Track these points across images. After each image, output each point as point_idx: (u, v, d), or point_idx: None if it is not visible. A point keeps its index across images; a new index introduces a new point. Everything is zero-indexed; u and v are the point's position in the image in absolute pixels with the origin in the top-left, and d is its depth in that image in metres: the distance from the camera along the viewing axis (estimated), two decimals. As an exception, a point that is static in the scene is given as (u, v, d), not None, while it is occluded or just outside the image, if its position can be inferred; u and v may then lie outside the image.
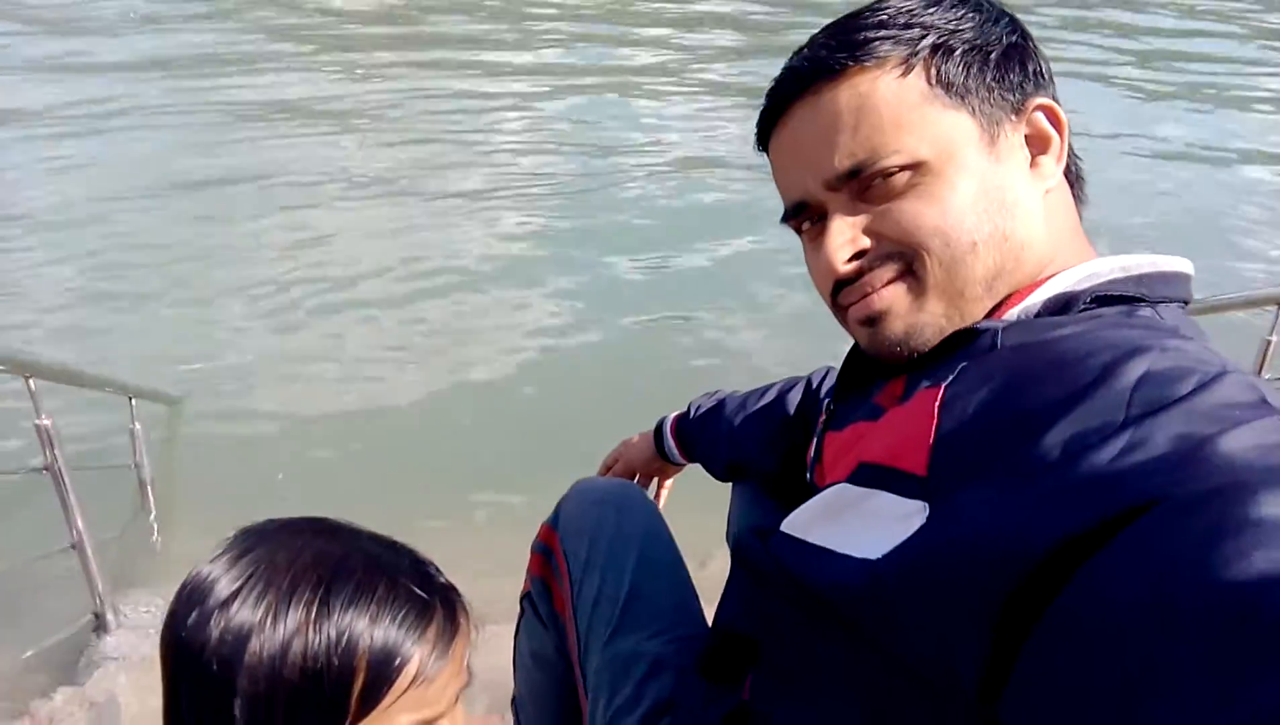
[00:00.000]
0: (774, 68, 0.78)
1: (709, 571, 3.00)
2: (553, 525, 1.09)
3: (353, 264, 5.74)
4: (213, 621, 0.57)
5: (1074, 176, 0.78)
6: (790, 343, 4.48)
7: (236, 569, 0.60)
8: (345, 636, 0.57)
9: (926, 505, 0.57)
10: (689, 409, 1.33)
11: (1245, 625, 0.36)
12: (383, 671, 0.58)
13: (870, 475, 0.65)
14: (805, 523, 0.72)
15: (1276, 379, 2.60)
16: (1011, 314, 0.68)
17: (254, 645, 0.56)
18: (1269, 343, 2.53)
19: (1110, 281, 0.68)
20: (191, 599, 0.59)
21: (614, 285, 5.23)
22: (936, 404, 0.62)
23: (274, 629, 0.56)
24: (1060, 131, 0.72)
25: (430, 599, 0.63)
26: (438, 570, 0.68)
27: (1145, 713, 0.38)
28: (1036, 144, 0.72)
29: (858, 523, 0.64)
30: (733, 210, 6.01)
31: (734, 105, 7.25)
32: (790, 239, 0.81)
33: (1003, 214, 0.69)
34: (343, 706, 0.57)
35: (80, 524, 2.54)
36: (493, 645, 2.35)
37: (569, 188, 6.43)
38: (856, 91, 0.69)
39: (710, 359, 4.39)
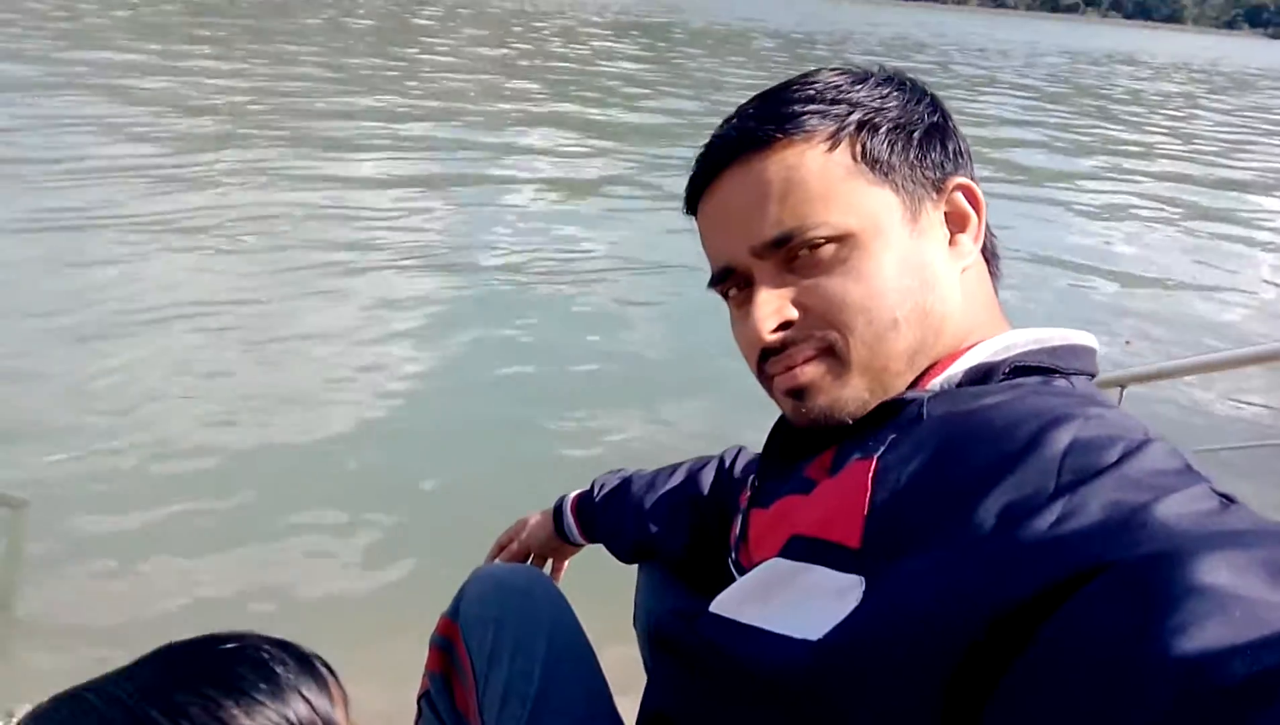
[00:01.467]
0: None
1: (612, 654, 2.92)
2: (452, 617, 1.03)
3: (190, 347, 5.53)
4: None
5: (990, 253, 0.81)
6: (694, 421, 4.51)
7: None
8: None
9: (863, 579, 0.57)
10: (592, 487, 1.29)
11: (1195, 694, 0.36)
12: None
13: (803, 549, 0.64)
14: (737, 602, 0.70)
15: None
16: (935, 384, 0.70)
17: None
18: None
19: (1026, 352, 0.70)
20: None
21: (499, 355, 5.18)
22: (869, 475, 0.62)
23: None
24: (978, 210, 0.75)
25: (306, 654, 0.59)
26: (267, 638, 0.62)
27: None
28: (955, 222, 0.75)
29: (793, 600, 0.63)
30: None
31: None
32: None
33: (923, 290, 0.71)
34: None
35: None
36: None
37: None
38: (785, 163, 0.71)
39: (609, 437, 4.36)
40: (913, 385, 0.71)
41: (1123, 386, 2.65)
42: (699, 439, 3.87)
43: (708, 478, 1.15)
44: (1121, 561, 0.44)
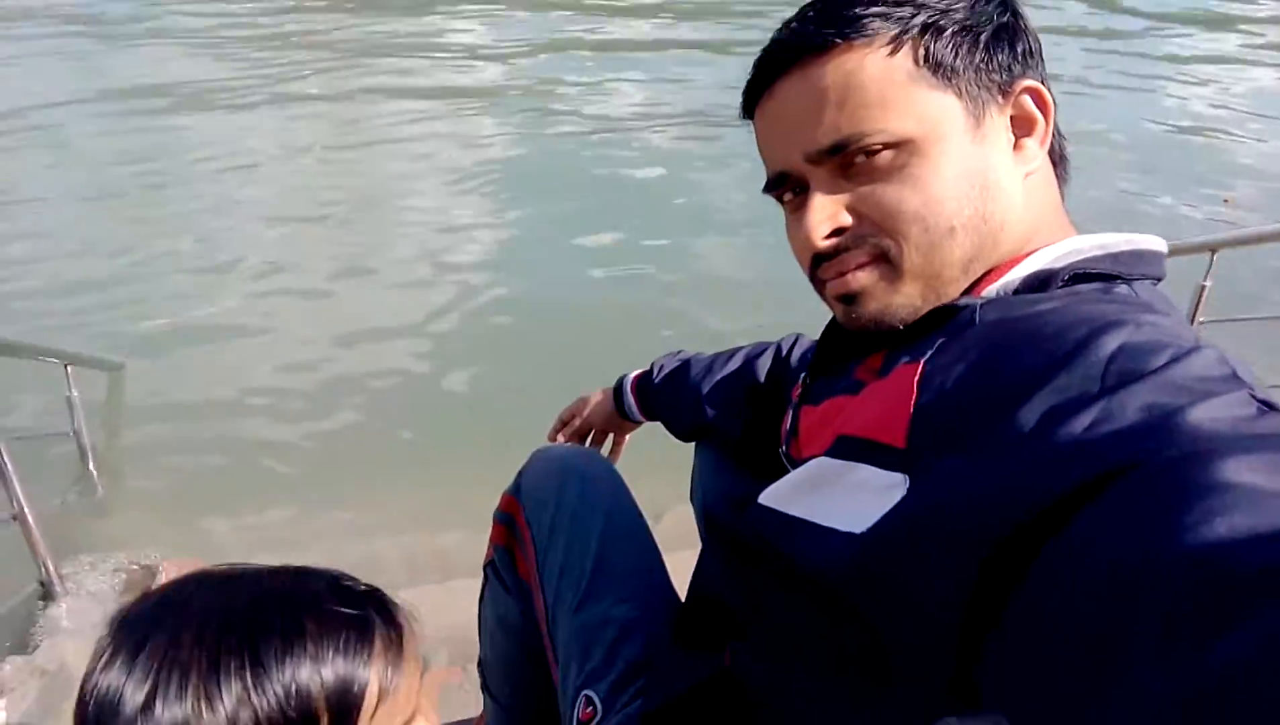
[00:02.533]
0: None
1: (664, 526, 3.03)
2: (514, 494, 1.09)
3: (294, 230, 5.63)
4: None
5: (1057, 156, 0.78)
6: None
7: (140, 668, 0.53)
8: (294, 689, 0.53)
9: (906, 477, 0.58)
10: (651, 368, 1.32)
11: (1207, 587, 0.37)
12: (345, 704, 0.54)
13: (850, 448, 0.65)
14: (785, 495, 0.72)
15: (1212, 321, 2.69)
16: (990, 290, 0.69)
17: None
18: (1203, 288, 2.60)
19: (1088, 259, 0.68)
20: (102, 718, 0.53)
21: (577, 245, 5.19)
22: (915, 378, 0.62)
23: (213, 714, 0.51)
24: (1046, 114, 0.72)
25: (364, 613, 0.58)
26: (355, 579, 0.62)
27: (1113, 672, 0.39)
28: (1021, 126, 0.72)
29: (839, 496, 0.64)
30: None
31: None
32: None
33: (983, 197, 0.69)
34: None
35: (20, 495, 2.48)
36: (449, 601, 2.37)
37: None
38: (844, 68, 0.68)
39: (672, 322, 4.38)
40: (968, 291, 0.70)
41: (1214, 251, 2.55)
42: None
43: (764, 365, 1.17)
44: (1149, 461, 0.44)
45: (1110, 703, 0.38)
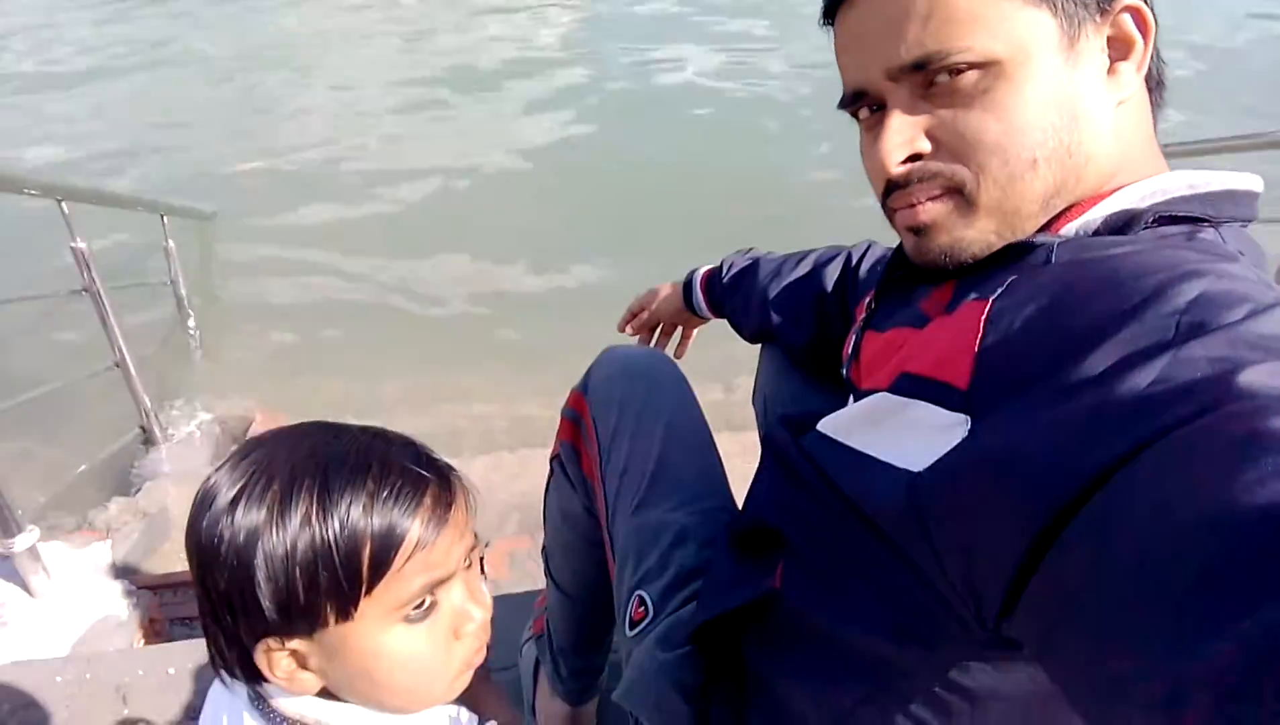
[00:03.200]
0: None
1: (737, 395, 3.06)
2: (582, 392, 1.10)
3: (387, 85, 5.61)
4: (223, 523, 0.60)
5: (1154, 82, 0.71)
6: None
7: (239, 472, 0.62)
8: (348, 521, 0.61)
9: (968, 419, 0.56)
10: (721, 266, 1.30)
11: (1260, 545, 0.36)
12: (386, 544, 0.62)
13: (911, 385, 0.63)
14: (844, 426, 0.71)
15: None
16: (1069, 229, 0.65)
17: (265, 541, 0.60)
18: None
19: (1175, 200, 0.63)
20: (203, 504, 0.62)
21: (663, 149, 5.06)
22: (983, 317, 0.60)
23: (282, 527, 0.60)
24: (1146, 36, 0.65)
25: (422, 473, 0.65)
26: (429, 450, 0.70)
27: (1155, 627, 0.38)
28: (1118, 48, 0.66)
29: (898, 432, 0.63)
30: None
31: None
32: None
33: (1070, 127, 0.64)
34: (357, 579, 0.61)
35: (121, 342, 2.61)
36: (522, 470, 2.45)
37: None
38: None
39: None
40: (1045, 228, 0.66)
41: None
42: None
43: (833, 273, 1.14)
44: (1210, 415, 0.42)
45: (1152, 658, 0.38)
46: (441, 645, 0.67)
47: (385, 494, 0.63)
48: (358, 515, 0.61)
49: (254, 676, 0.65)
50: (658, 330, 1.45)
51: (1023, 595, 0.48)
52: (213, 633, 0.64)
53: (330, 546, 0.60)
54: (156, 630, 1.98)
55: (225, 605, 0.61)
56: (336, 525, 0.60)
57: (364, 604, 0.62)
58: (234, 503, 0.60)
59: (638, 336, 1.46)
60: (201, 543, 0.61)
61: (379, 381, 3.41)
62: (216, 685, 0.71)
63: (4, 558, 1.86)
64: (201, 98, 5.61)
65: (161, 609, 2.03)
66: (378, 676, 0.65)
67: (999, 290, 0.61)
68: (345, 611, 0.61)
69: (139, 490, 2.51)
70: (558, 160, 4.89)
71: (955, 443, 0.56)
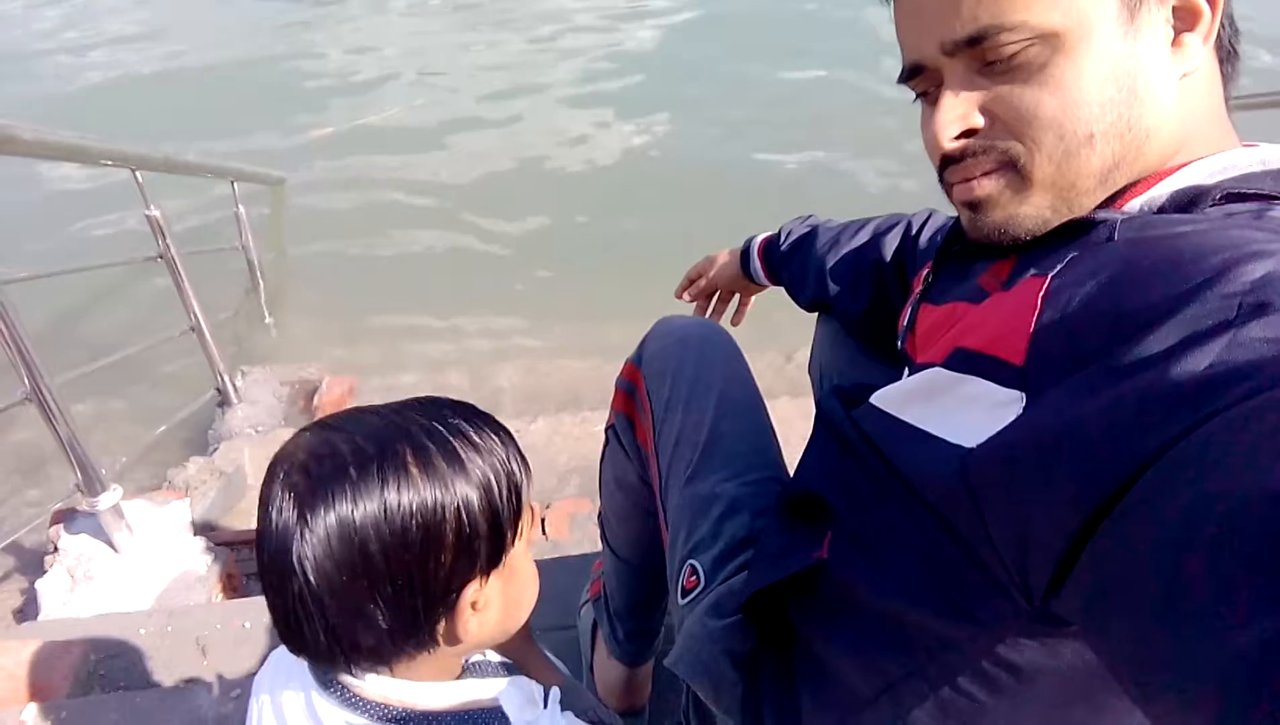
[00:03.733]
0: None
1: (797, 359, 3.05)
2: (636, 363, 1.11)
3: (455, 53, 5.62)
4: (406, 496, 0.62)
5: (1225, 52, 0.68)
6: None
7: (353, 427, 0.65)
8: (501, 449, 0.67)
9: (1023, 396, 0.56)
10: (779, 234, 1.29)
11: None
12: (524, 464, 0.69)
13: (966, 361, 0.63)
14: (897, 400, 0.71)
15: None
16: (1133, 206, 0.63)
17: (459, 489, 0.63)
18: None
19: (1244, 176, 0.61)
20: (357, 495, 0.61)
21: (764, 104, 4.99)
22: (1041, 294, 0.59)
23: (462, 470, 0.64)
24: (1214, 5, 0.63)
25: (508, 440, 0.70)
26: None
27: (1192, 605, 0.38)
28: (1183, 18, 0.63)
29: (951, 407, 0.63)
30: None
31: None
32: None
33: (1130, 101, 0.62)
34: (522, 499, 0.68)
35: (196, 307, 2.69)
36: (583, 433, 2.48)
37: None
38: None
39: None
40: (1107, 204, 0.65)
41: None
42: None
43: (892, 242, 1.12)
44: (1262, 396, 0.42)
45: (1198, 636, 0.37)
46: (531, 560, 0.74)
47: (500, 430, 0.69)
48: (502, 448, 0.67)
49: (381, 658, 0.66)
50: (715, 297, 1.45)
51: (1071, 572, 0.48)
52: (344, 627, 0.63)
53: (504, 473, 0.66)
54: (233, 586, 2.07)
55: (408, 578, 0.62)
56: (500, 453, 0.67)
57: (520, 522, 0.69)
58: (393, 480, 0.62)
59: (694, 303, 1.46)
60: (379, 527, 0.61)
61: (443, 344, 3.47)
62: (270, 672, 0.74)
63: (89, 515, 1.95)
64: (271, 66, 5.69)
65: (238, 565, 2.11)
66: (523, 595, 0.73)
67: (1059, 266, 0.60)
68: (518, 530, 0.68)
69: (215, 450, 2.60)
70: (628, 129, 4.87)
71: (1009, 420, 0.55)
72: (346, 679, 0.68)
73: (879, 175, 4.26)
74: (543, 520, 2.14)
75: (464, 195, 4.35)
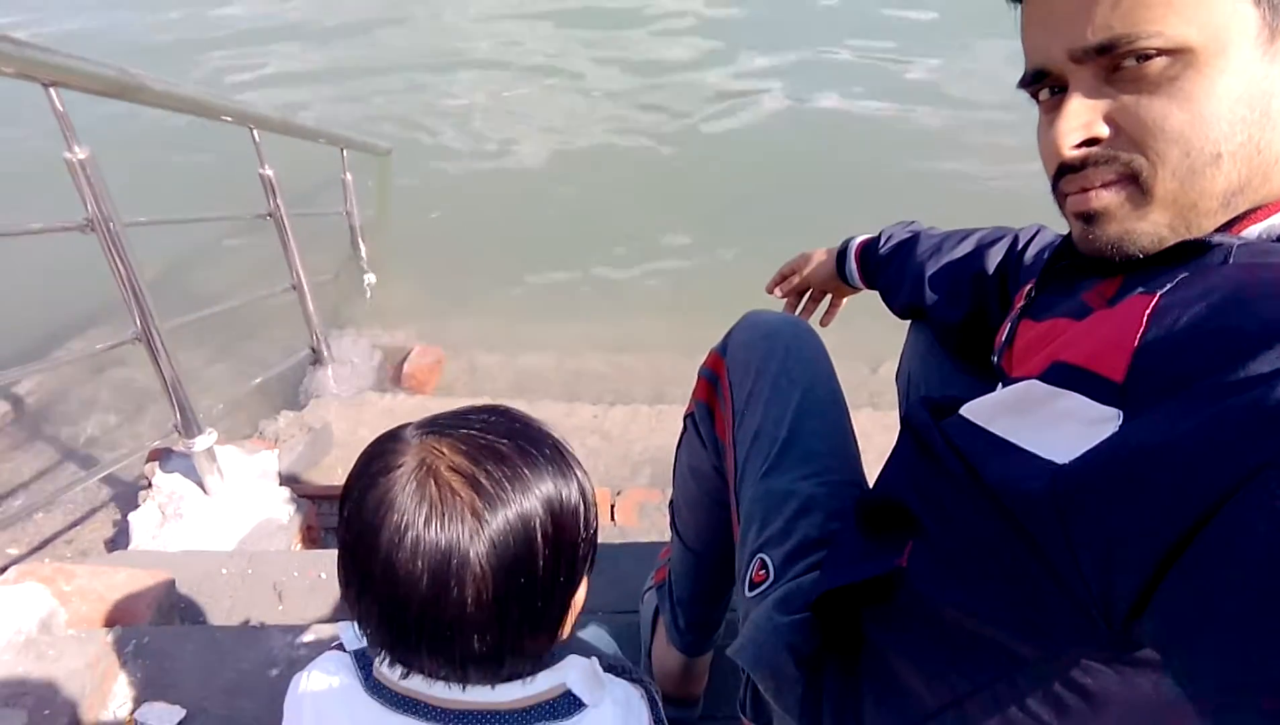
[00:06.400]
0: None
1: (880, 373, 3.01)
2: (721, 354, 1.11)
3: (556, 28, 5.67)
4: (539, 492, 0.63)
5: None
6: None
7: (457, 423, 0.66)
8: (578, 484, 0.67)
9: (1120, 413, 0.54)
10: (879, 236, 1.27)
11: None
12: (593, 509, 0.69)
13: (1064, 375, 0.61)
14: (988, 412, 0.70)
15: None
16: (1252, 231, 0.61)
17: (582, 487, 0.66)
18: None
19: None
20: (495, 503, 0.61)
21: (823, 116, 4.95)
22: (1147, 312, 0.57)
23: (567, 471, 0.65)
24: None
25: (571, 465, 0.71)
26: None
27: (1276, 630, 0.38)
28: None
29: (1045, 422, 0.61)
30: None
31: None
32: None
33: (1262, 124, 0.60)
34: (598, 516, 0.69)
35: (299, 267, 2.77)
36: (658, 425, 2.49)
37: None
38: None
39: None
40: (1225, 228, 0.63)
41: None
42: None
43: (996, 255, 1.10)
44: None
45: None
46: None
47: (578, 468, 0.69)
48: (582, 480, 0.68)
49: (515, 660, 0.66)
50: (805, 295, 1.44)
51: (1156, 593, 0.47)
52: (503, 631, 0.63)
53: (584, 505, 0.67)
54: (312, 537, 2.14)
55: (568, 569, 0.64)
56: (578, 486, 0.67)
57: None
58: (550, 471, 0.63)
59: (785, 300, 1.45)
60: (548, 518, 0.62)
61: (529, 324, 3.52)
62: (316, 676, 0.73)
63: (183, 456, 2.04)
64: (389, 44, 5.83)
65: (319, 518, 2.18)
66: None
67: (1168, 285, 0.59)
68: None
69: (305, 406, 2.68)
70: (727, 124, 4.86)
71: (1104, 437, 0.54)
72: (425, 690, 0.67)
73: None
74: (612, 507, 2.15)
75: (562, 183, 4.40)
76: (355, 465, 0.65)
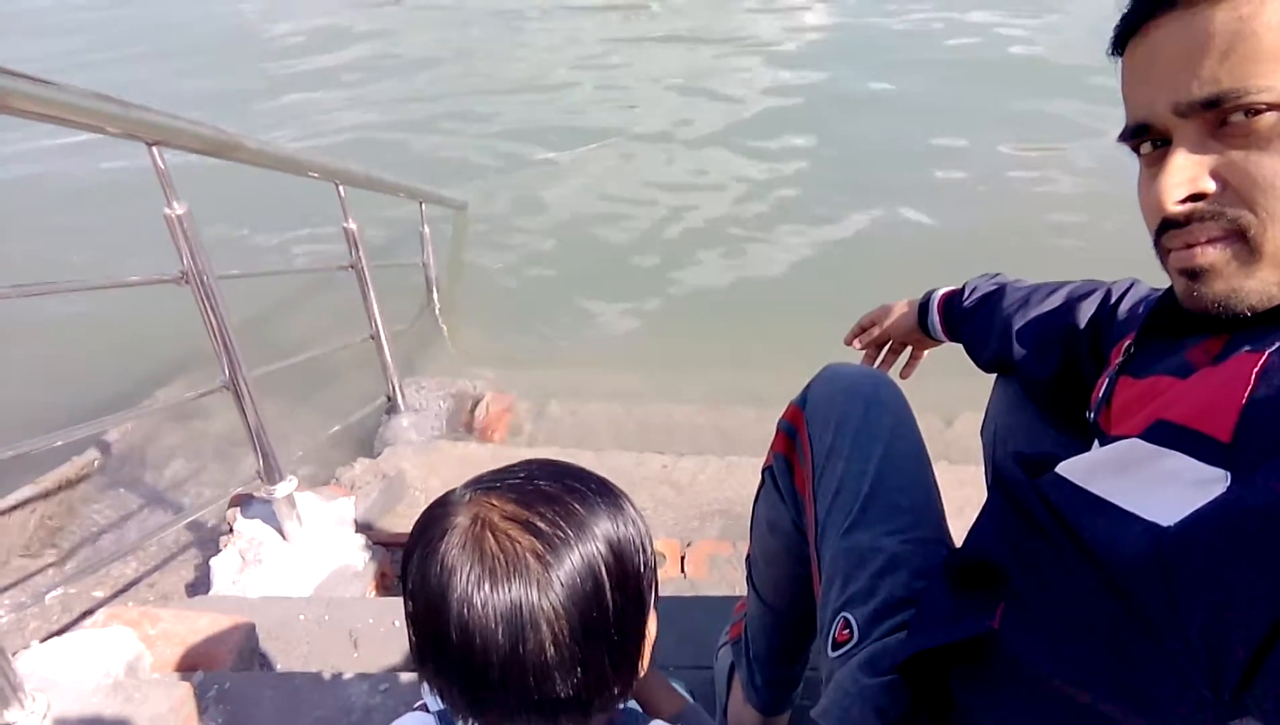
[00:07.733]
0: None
1: (956, 428, 2.95)
2: (800, 407, 1.09)
3: (643, 100, 5.79)
4: (611, 533, 0.63)
5: None
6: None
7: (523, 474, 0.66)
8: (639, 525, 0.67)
9: (1228, 474, 0.53)
10: (963, 288, 1.25)
11: None
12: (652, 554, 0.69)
13: (1167, 435, 0.60)
14: (1086, 471, 0.68)
15: None
16: None
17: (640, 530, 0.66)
18: None
19: None
20: (567, 543, 0.61)
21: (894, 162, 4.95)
22: (1256, 370, 0.56)
23: (622, 512, 0.66)
24: None
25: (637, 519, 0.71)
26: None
27: None
28: None
29: (1148, 482, 0.60)
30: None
31: None
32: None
33: None
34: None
35: (378, 317, 2.84)
36: (728, 476, 2.47)
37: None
38: (1237, 12, 0.59)
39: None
40: None
41: None
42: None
43: (1088, 309, 1.07)
44: None
45: None
46: None
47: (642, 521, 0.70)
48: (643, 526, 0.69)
49: (602, 703, 0.65)
50: (885, 348, 1.42)
51: (1268, 659, 0.46)
52: (585, 676, 0.62)
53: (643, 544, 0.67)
54: (386, 584, 2.16)
55: (636, 608, 0.64)
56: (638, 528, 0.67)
57: None
58: (607, 512, 0.64)
59: (864, 352, 1.43)
60: (611, 560, 0.62)
61: (598, 374, 3.54)
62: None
63: (264, 502, 2.09)
64: (466, 93, 6.01)
65: (393, 565, 2.20)
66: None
67: (1277, 344, 0.57)
68: None
69: (380, 454, 2.73)
70: (803, 170, 4.89)
71: (1211, 498, 0.53)
72: None
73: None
74: (682, 558, 2.13)
75: (632, 236, 4.46)
76: (410, 538, 0.65)
